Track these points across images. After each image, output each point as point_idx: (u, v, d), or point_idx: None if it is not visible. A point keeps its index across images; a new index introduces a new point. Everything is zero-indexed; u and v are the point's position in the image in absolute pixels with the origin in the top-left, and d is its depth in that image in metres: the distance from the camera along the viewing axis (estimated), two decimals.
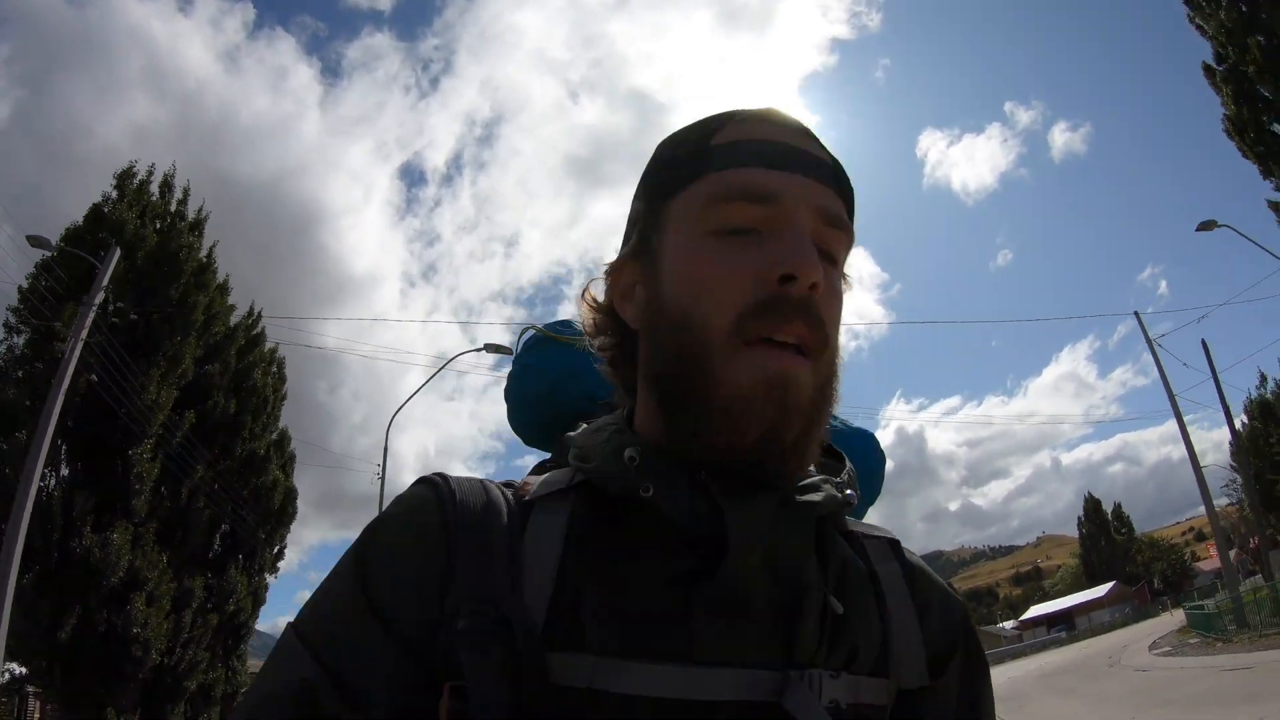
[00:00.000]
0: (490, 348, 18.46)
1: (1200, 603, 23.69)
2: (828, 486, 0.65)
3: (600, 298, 0.75)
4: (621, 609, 0.58)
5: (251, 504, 18.07)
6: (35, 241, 12.97)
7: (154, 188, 17.65)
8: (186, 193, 18.35)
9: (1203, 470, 21.38)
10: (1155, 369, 22.01)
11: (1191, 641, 21.22)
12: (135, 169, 17.48)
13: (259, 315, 19.57)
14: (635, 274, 0.70)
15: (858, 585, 0.67)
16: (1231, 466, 25.63)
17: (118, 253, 13.52)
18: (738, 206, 0.62)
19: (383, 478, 19.65)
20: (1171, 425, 21.78)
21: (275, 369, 19.72)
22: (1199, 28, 23.76)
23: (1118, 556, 68.00)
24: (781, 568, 0.61)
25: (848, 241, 0.67)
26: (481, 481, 0.67)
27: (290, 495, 19.32)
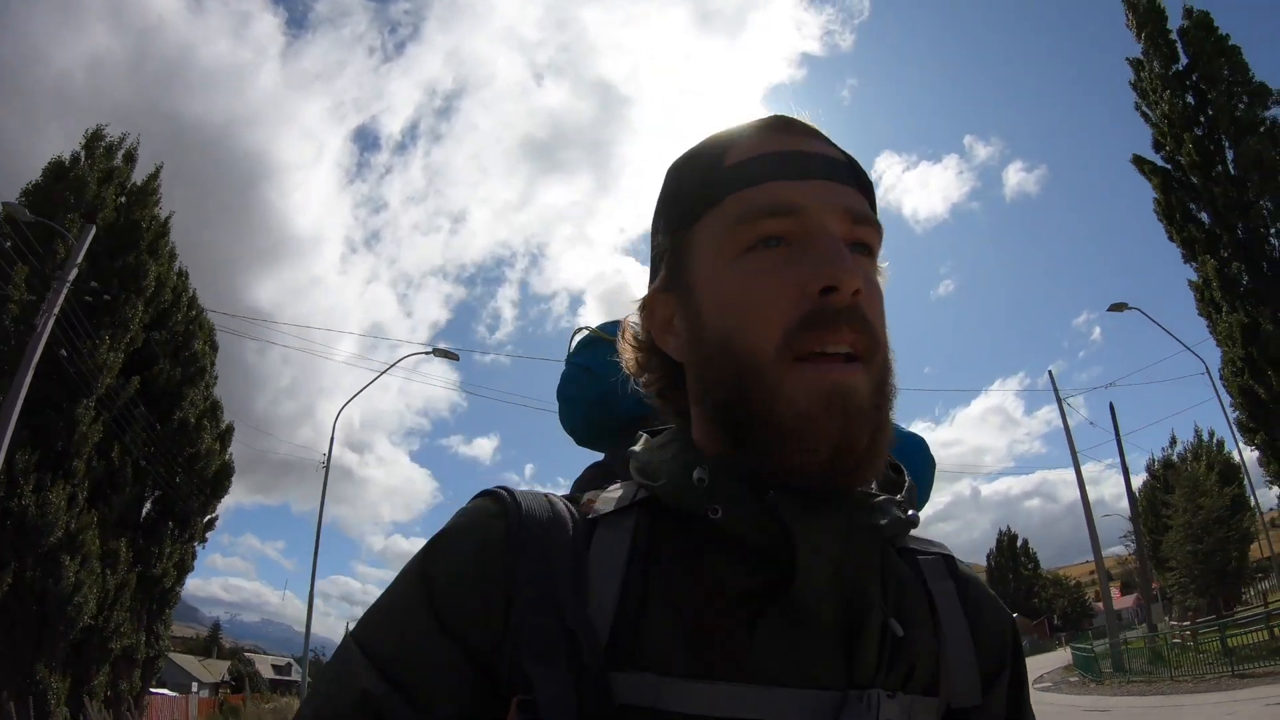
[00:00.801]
0: (438, 352, 19.08)
1: (1085, 644, 25.35)
2: (894, 509, 0.65)
3: (638, 335, 0.75)
4: (687, 627, 0.58)
5: (185, 471, 18.26)
6: (9, 209, 13.03)
7: (119, 159, 17.86)
8: (159, 169, 18.65)
9: (1109, 518, 23.06)
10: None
11: (1071, 680, 22.67)
12: (104, 132, 17.75)
13: (186, 274, 19.64)
14: (670, 306, 0.70)
15: (915, 604, 0.68)
16: (1128, 518, 27.51)
17: (92, 231, 13.74)
18: (765, 224, 0.62)
19: (327, 468, 20.10)
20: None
21: (206, 334, 19.83)
22: (1144, 114, 25.53)
23: (1022, 590, 71.08)
24: (847, 588, 0.61)
25: (878, 234, 0.67)
26: (546, 495, 0.67)
27: (226, 469, 19.53)
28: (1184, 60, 24.30)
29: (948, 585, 0.72)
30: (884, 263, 0.70)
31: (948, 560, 0.75)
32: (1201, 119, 23.24)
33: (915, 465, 0.84)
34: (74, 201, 16.12)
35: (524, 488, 0.68)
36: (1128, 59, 26.50)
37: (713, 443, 0.66)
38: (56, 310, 12.53)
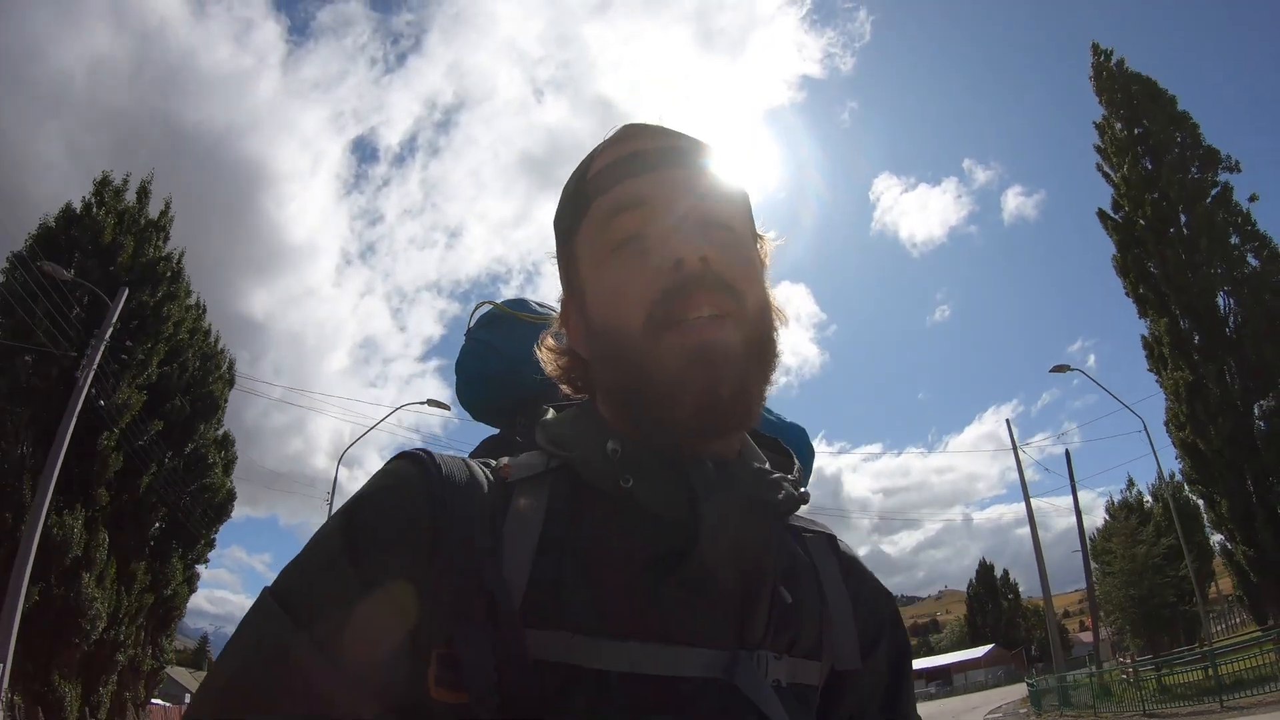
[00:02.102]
0: (432, 403, 20.45)
1: (1037, 679, 26.53)
2: (786, 484, 0.71)
3: (560, 340, 0.81)
4: (598, 589, 0.62)
5: (196, 500, 19.53)
6: (53, 271, 14.33)
7: (131, 196, 19.36)
8: (169, 204, 20.14)
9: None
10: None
11: (1021, 711, 23.83)
12: (112, 177, 19.28)
13: (204, 308, 21.01)
14: (574, 312, 0.77)
15: (802, 576, 0.74)
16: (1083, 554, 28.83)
17: (125, 293, 15.12)
18: (621, 220, 0.70)
19: (330, 505, 21.24)
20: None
21: (226, 370, 21.27)
22: (1105, 175, 27.00)
23: (1002, 620, 72.03)
24: (744, 557, 0.66)
25: (734, 203, 0.74)
26: (464, 459, 0.70)
27: (230, 496, 20.78)
28: (1141, 126, 25.77)
29: (831, 561, 0.79)
30: (769, 232, 0.79)
31: (830, 539, 0.81)
32: (1159, 182, 24.69)
33: (798, 454, 0.87)
34: (90, 248, 17.66)
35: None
36: (1094, 122, 28.10)
37: (615, 419, 0.72)
38: (95, 366, 13.87)
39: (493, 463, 0.72)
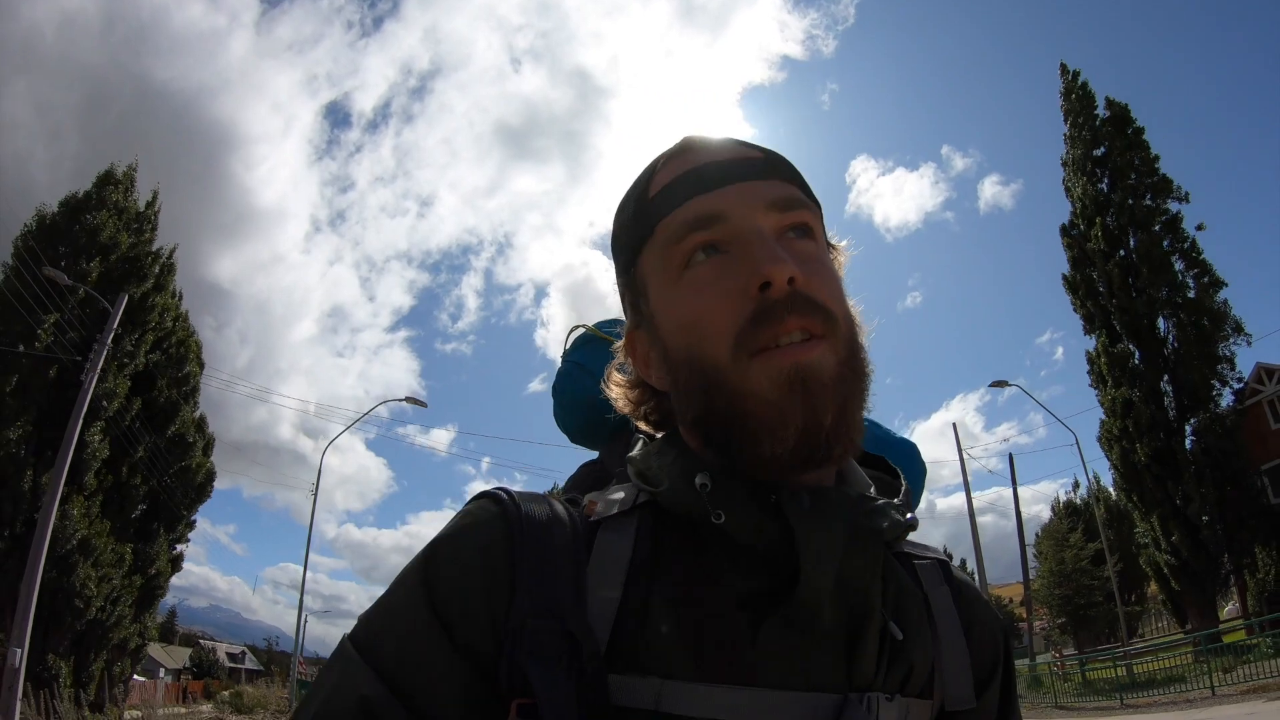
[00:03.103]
0: (409, 400, 21.34)
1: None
2: (893, 513, 0.65)
3: (628, 373, 0.77)
4: (689, 630, 0.59)
5: (179, 480, 20.37)
6: (55, 277, 15.05)
7: (119, 190, 20.15)
8: (156, 194, 20.96)
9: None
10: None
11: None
12: (115, 171, 20.03)
13: (180, 294, 21.78)
14: (645, 342, 0.72)
15: (913, 608, 0.69)
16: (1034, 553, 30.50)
17: (124, 300, 15.91)
18: (693, 239, 0.65)
19: (315, 497, 22.26)
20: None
21: (197, 353, 21.98)
22: (1067, 189, 28.26)
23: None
24: (849, 592, 0.62)
25: (814, 213, 0.69)
26: (546, 497, 0.67)
27: (210, 476, 21.62)
28: (1103, 148, 27.01)
29: (943, 590, 0.73)
30: (842, 241, 0.74)
31: (943, 565, 0.76)
32: (1112, 206, 25.98)
33: (907, 472, 0.82)
34: (86, 243, 18.41)
35: (518, 488, 0.68)
36: (1064, 134, 29.31)
37: (702, 451, 0.67)
38: (99, 370, 14.65)
39: (582, 500, 0.70)
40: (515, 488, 0.68)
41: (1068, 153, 28.34)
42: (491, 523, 0.63)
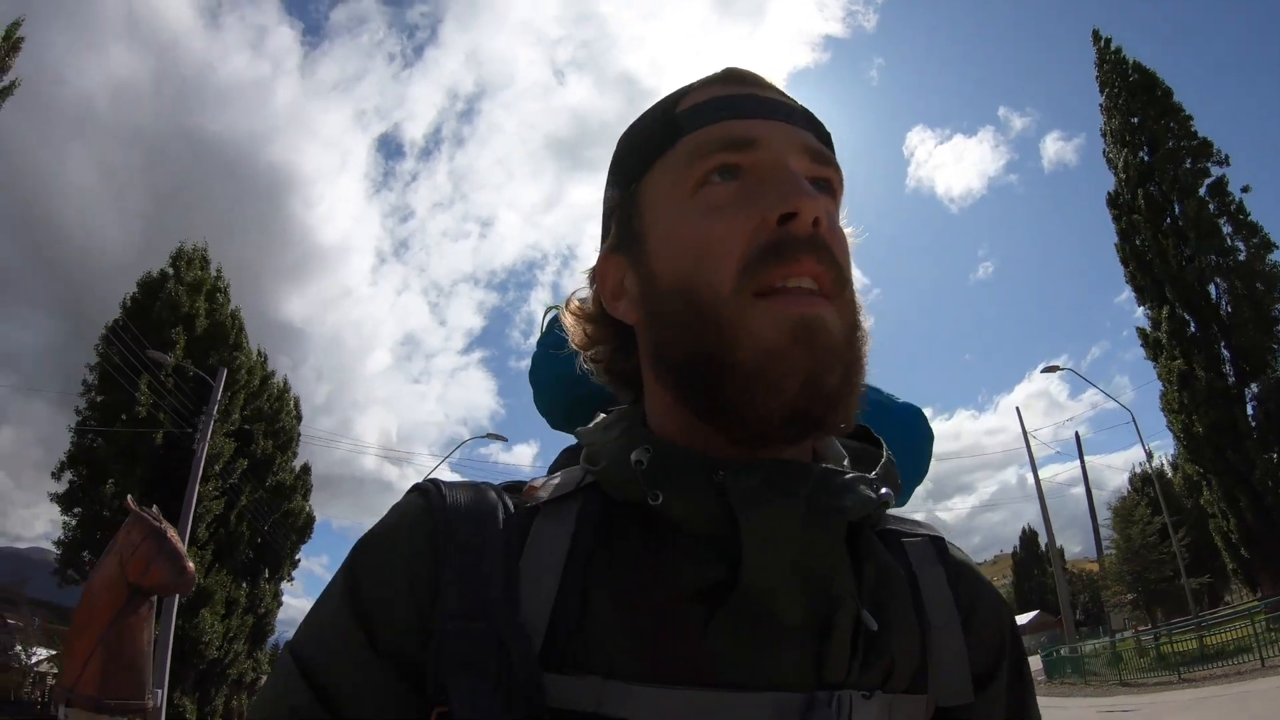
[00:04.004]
0: (492, 436, 22.83)
1: (1053, 648, 28.07)
2: (862, 488, 0.57)
3: (585, 305, 0.70)
4: (633, 625, 0.53)
5: (281, 525, 22.44)
6: (157, 358, 17.14)
7: (196, 265, 22.34)
8: (219, 269, 23.11)
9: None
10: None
11: (1040, 681, 25.36)
12: (185, 248, 22.23)
13: (265, 355, 23.90)
14: (621, 267, 0.65)
15: (896, 593, 0.61)
16: (1105, 531, 30.22)
17: (224, 373, 17.91)
18: (719, 156, 0.58)
19: None
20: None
21: (294, 407, 24.24)
22: (1109, 160, 28.06)
23: (1047, 586, 72.71)
24: (811, 579, 0.55)
25: (840, 177, 0.63)
26: (477, 486, 0.62)
27: (310, 519, 23.70)
28: (1138, 116, 26.77)
29: (936, 571, 0.66)
30: (853, 228, 0.66)
31: (936, 543, 0.69)
32: (1155, 173, 25.73)
33: (912, 438, 0.78)
34: (169, 317, 20.53)
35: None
36: (1100, 105, 29.07)
37: (668, 412, 0.61)
38: (209, 437, 16.73)
39: (523, 486, 0.63)
40: (454, 478, 0.63)
41: (1105, 123, 28.15)
42: (416, 519, 0.58)
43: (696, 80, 0.66)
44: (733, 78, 0.65)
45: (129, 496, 6.34)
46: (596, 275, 0.69)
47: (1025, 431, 27.72)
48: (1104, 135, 28.35)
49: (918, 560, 0.66)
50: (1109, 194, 27.36)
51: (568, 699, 0.51)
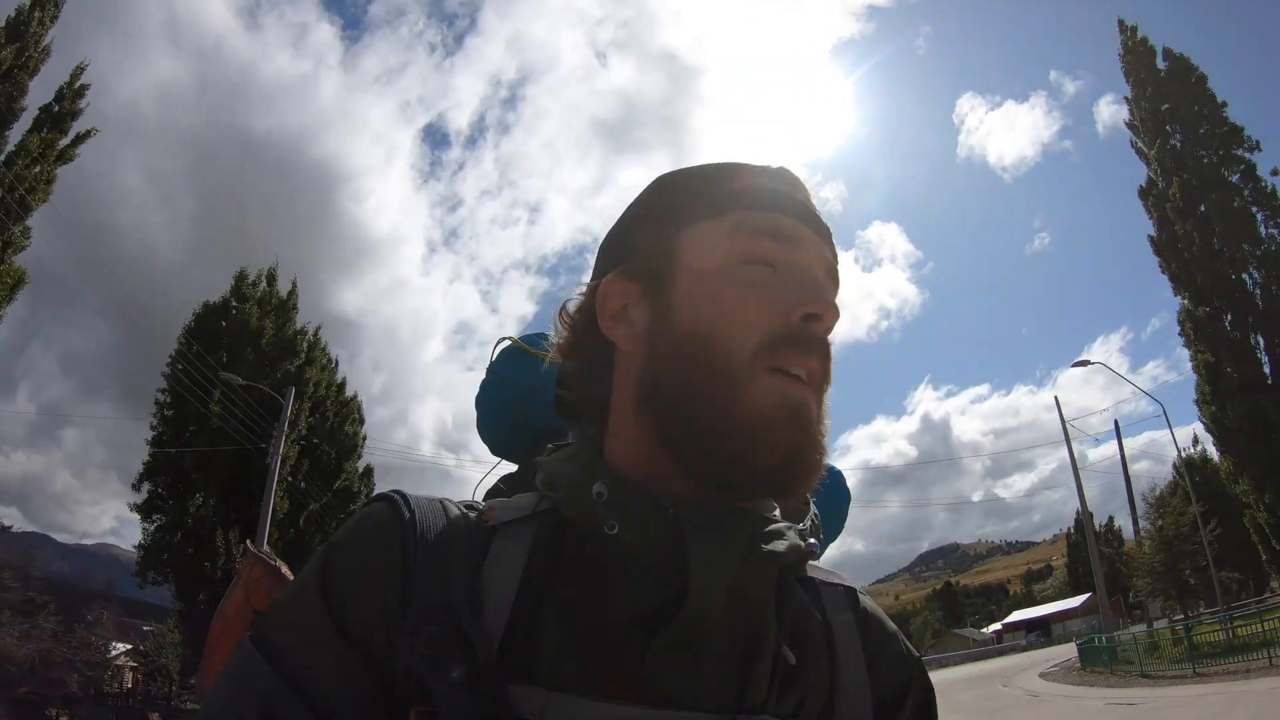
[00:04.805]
0: None
1: (1091, 636, 28.25)
2: (791, 534, 0.64)
3: (575, 318, 0.74)
4: (579, 643, 0.58)
5: None
6: (230, 379, 18.91)
7: (263, 284, 24.20)
8: (294, 284, 24.88)
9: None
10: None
11: (1074, 669, 25.14)
12: (247, 272, 24.14)
13: (336, 362, 25.85)
14: (630, 295, 0.69)
15: (811, 634, 0.68)
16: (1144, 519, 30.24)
17: (292, 391, 19.70)
18: (764, 243, 0.66)
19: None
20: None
21: (357, 414, 25.98)
22: (1139, 151, 27.94)
23: (1104, 570, 71.51)
24: (743, 612, 0.61)
25: (836, 293, 0.71)
26: (441, 502, 0.67)
27: None
28: (1168, 104, 26.65)
29: (846, 617, 0.73)
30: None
31: (849, 593, 0.76)
32: (1189, 161, 25.57)
33: (833, 496, 0.85)
34: (239, 334, 22.42)
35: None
36: (1125, 97, 28.87)
37: (631, 446, 0.66)
38: (280, 451, 18.58)
39: (478, 505, 0.69)
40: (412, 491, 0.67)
41: (1133, 114, 27.95)
42: (387, 525, 0.63)
43: (759, 165, 0.72)
44: (784, 178, 0.71)
45: (248, 541, 7.79)
46: (599, 293, 0.71)
47: (1064, 421, 28.06)
48: (1130, 126, 28.17)
49: (831, 606, 0.73)
50: (1140, 187, 27.31)
51: (515, 706, 0.55)
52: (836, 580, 0.77)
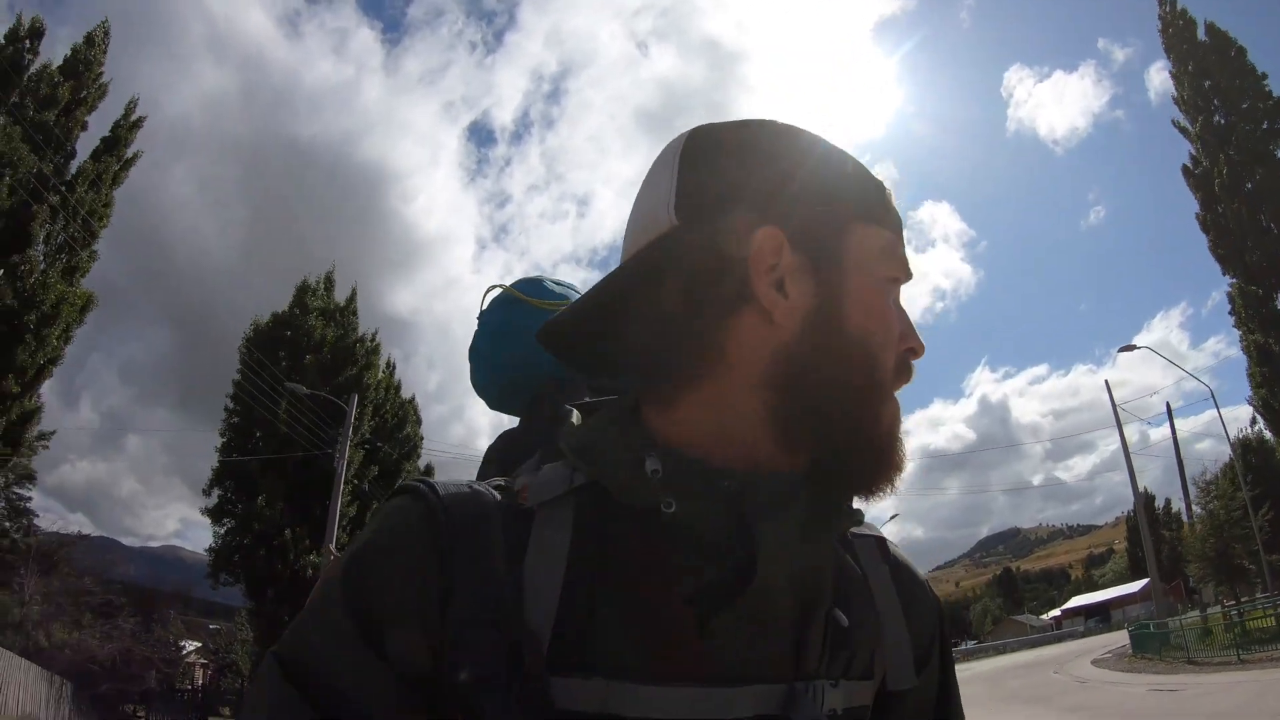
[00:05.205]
0: None
1: (1146, 621, 27.87)
2: (846, 506, 0.66)
3: (721, 246, 0.62)
4: (636, 628, 0.56)
5: None
6: (295, 389, 20.15)
7: (322, 289, 25.42)
8: (354, 291, 26.28)
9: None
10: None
11: (1126, 655, 24.80)
12: (308, 282, 25.36)
13: (394, 365, 27.01)
14: (789, 264, 0.61)
15: (857, 591, 0.68)
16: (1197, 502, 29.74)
17: (355, 398, 20.96)
18: (899, 272, 0.67)
19: None
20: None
21: (414, 415, 27.15)
22: (1182, 130, 27.35)
23: (1164, 552, 69.80)
24: (803, 584, 0.62)
25: None
26: (471, 487, 0.63)
27: None
28: (1210, 80, 26.07)
29: (882, 569, 0.73)
30: None
31: (880, 543, 0.76)
32: (1233, 136, 25.00)
33: None
34: (301, 343, 23.61)
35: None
36: (1170, 72, 28.21)
37: (701, 415, 0.62)
38: (346, 455, 19.78)
39: (506, 484, 0.65)
40: (440, 478, 0.64)
41: (1176, 91, 27.36)
42: (416, 523, 0.59)
43: (880, 179, 0.68)
44: (893, 201, 0.69)
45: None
46: (756, 243, 0.61)
47: (1115, 405, 27.77)
48: (1175, 102, 27.54)
49: (866, 559, 0.73)
50: (1184, 166, 26.69)
51: (574, 700, 0.53)
52: (865, 530, 0.76)
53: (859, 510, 0.66)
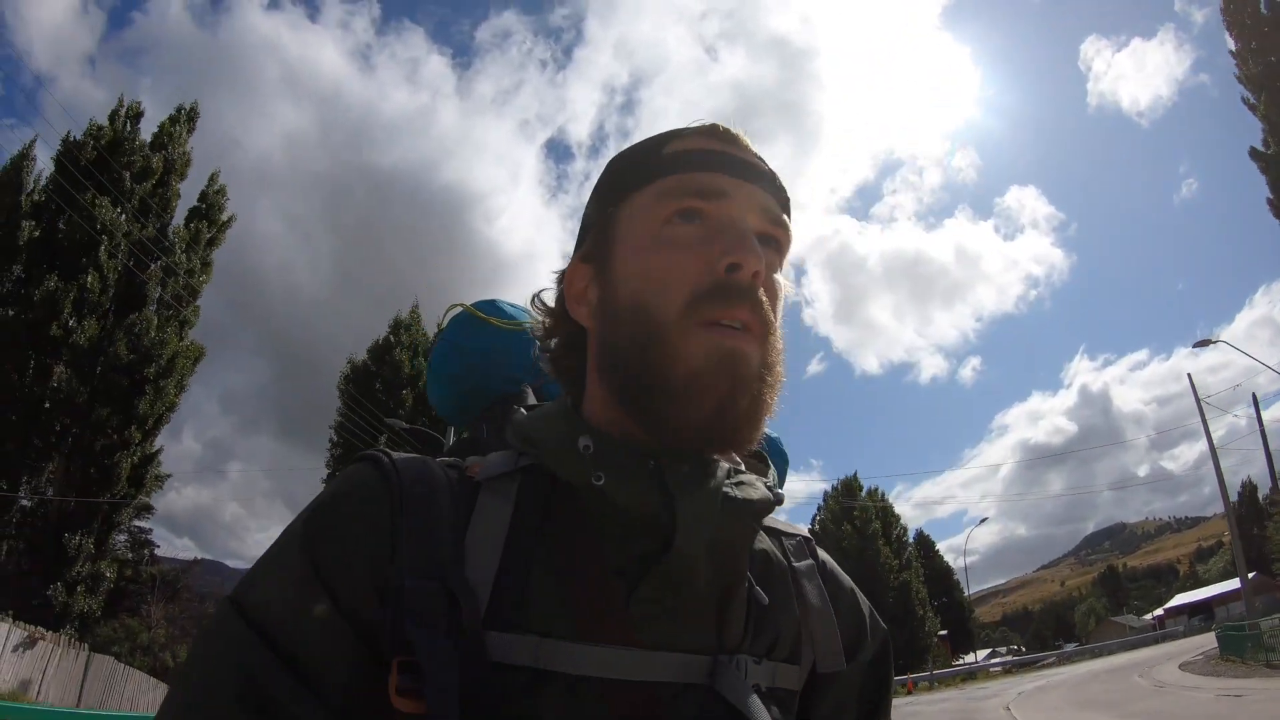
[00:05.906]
0: None
1: (1240, 623, 26.75)
2: (760, 484, 0.70)
3: (550, 304, 0.78)
4: (568, 591, 0.61)
5: None
6: (393, 424, 21.33)
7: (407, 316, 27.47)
8: (440, 324, 28.44)
9: None
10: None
11: (1214, 658, 23.79)
12: (401, 315, 27.41)
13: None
14: (587, 277, 0.73)
15: (778, 578, 0.73)
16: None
17: (451, 430, 22.84)
18: (689, 202, 0.67)
19: None
20: None
21: None
22: (1251, 107, 26.47)
23: (1269, 546, 65.99)
24: (722, 558, 0.65)
25: (788, 237, 0.73)
26: (424, 459, 0.68)
27: None
28: (1274, 56, 25.21)
29: (808, 563, 0.78)
30: (789, 282, 0.75)
31: (807, 542, 0.81)
32: None
33: (771, 458, 0.87)
34: (394, 377, 25.41)
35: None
36: (1230, 51, 27.36)
37: (603, 409, 0.70)
38: None
39: (456, 463, 0.70)
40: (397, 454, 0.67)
41: (1240, 70, 26.49)
42: (372, 485, 0.64)
43: (687, 127, 0.73)
44: (717, 134, 0.72)
45: None
46: (565, 279, 0.76)
47: (1199, 400, 27.07)
48: (1240, 80, 26.63)
49: (793, 553, 0.79)
50: (1253, 148, 25.83)
51: (507, 654, 0.58)
52: (795, 531, 0.82)
53: (777, 494, 0.71)
